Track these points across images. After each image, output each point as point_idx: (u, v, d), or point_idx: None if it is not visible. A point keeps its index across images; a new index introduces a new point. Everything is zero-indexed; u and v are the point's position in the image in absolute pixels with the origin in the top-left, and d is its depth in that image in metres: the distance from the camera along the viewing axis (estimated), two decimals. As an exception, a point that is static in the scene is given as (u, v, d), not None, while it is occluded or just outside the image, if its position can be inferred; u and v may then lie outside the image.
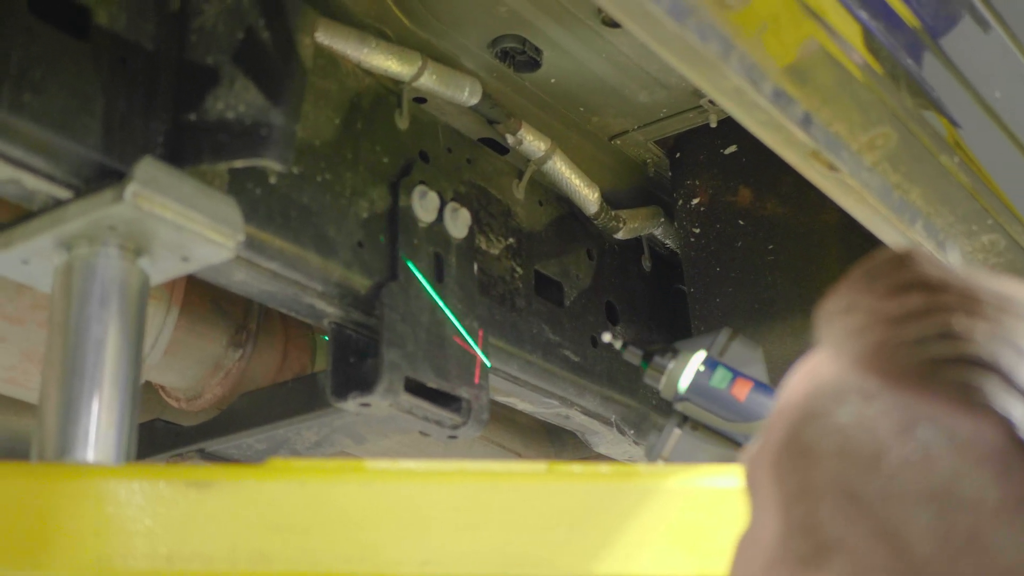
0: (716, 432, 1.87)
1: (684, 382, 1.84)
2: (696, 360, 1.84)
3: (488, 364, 1.84)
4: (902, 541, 0.68)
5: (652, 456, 1.90)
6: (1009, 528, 0.66)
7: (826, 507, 0.72)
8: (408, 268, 1.73)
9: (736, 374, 1.84)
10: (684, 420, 1.88)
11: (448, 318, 1.77)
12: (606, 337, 1.98)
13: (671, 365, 1.85)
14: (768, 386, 1.86)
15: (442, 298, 1.78)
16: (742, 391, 1.83)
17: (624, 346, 1.95)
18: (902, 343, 0.71)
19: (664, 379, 1.85)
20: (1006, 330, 0.69)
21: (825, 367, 0.75)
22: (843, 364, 0.74)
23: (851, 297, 0.76)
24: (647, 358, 1.89)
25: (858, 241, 1.96)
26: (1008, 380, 0.67)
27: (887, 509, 0.69)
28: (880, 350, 0.72)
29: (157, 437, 1.98)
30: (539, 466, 1.35)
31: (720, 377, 1.83)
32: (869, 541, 0.70)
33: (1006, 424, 0.67)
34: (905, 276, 0.74)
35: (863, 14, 1.37)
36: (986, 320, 0.70)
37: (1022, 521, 0.66)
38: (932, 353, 0.70)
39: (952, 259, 1.70)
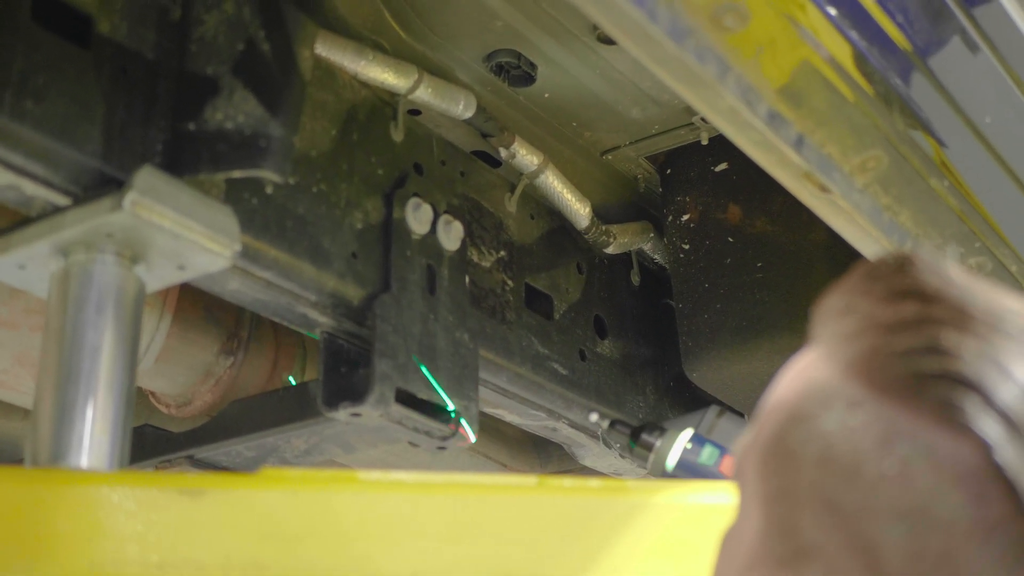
0: None
1: (672, 460, 1.86)
2: (683, 438, 1.87)
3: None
4: (875, 555, 0.68)
5: (655, 470, 1.91)
6: (981, 551, 0.66)
7: (805, 512, 0.72)
8: (401, 279, 1.74)
9: (724, 451, 1.84)
10: None
11: (440, 330, 1.78)
12: (593, 417, 2.02)
13: (659, 443, 1.88)
14: None
15: (433, 310, 1.79)
16: (729, 469, 1.83)
17: (612, 425, 1.98)
18: (891, 353, 0.71)
19: (652, 457, 1.88)
20: (994, 349, 0.69)
21: (817, 369, 0.75)
22: (834, 368, 0.73)
23: (849, 298, 0.75)
24: (635, 436, 1.91)
25: (846, 261, 1.97)
26: (990, 401, 0.67)
27: (863, 522, 0.69)
28: (870, 358, 0.72)
29: (146, 443, 1.98)
30: (529, 479, 1.37)
31: (708, 454, 1.84)
32: (844, 552, 0.69)
33: (984, 445, 0.66)
34: (903, 282, 0.73)
35: (855, 36, 1.38)
36: (975, 337, 0.69)
37: (994, 544, 0.65)
38: (918, 366, 0.69)
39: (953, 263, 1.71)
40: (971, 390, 0.67)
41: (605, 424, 2.00)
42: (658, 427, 1.92)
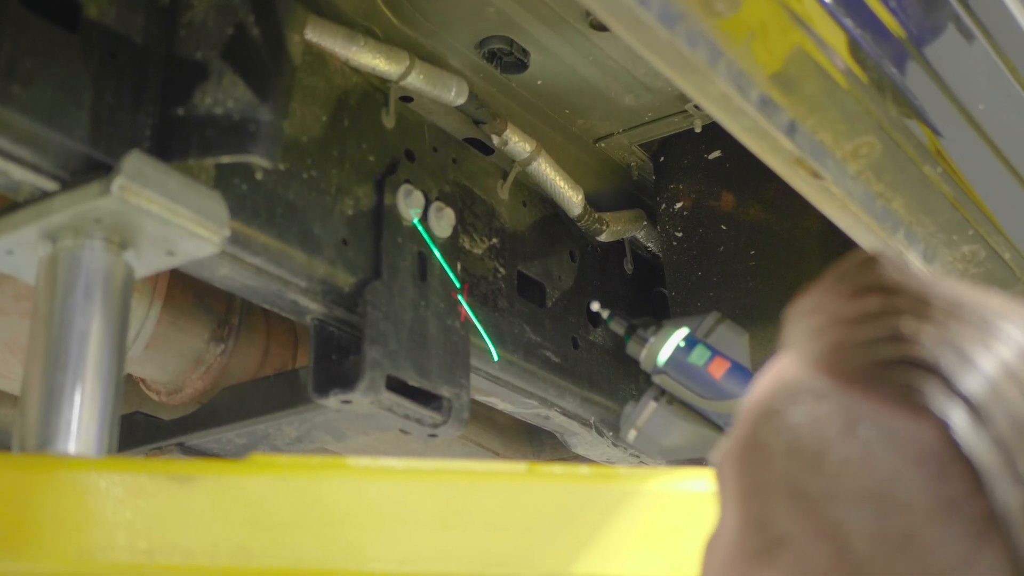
0: (690, 408, 1.91)
1: (663, 355, 1.92)
2: (677, 336, 1.92)
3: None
4: (843, 540, 0.69)
5: (626, 426, 1.95)
6: (942, 529, 0.67)
7: (776, 504, 0.73)
8: (392, 266, 1.74)
9: (715, 353, 1.89)
10: (661, 394, 1.94)
11: (429, 317, 1.77)
12: (594, 306, 2.06)
13: (653, 339, 1.93)
14: (746, 369, 1.90)
15: (424, 297, 1.78)
16: (719, 370, 1.88)
17: (611, 316, 2.02)
18: (854, 344, 0.72)
19: (645, 351, 1.94)
20: (952, 334, 0.70)
21: (788, 367, 0.77)
22: (803, 364, 0.75)
23: (817, 298, 0.77)
24: (631, 330, 1.97)
25: (839, 248, 1.97)
26: (948, 383, 0.68)
27: (829, 508, 0.70)
28: (835, 351, 0.73)
29: (137, 430, 1.98)
30: (519, 467, 1.36)
31: (698, 354, 1.89)
32: (813, 539, 0.70)
33: (943, 426, 0.67)
34: (867, 279, 0.75)
35: (849, 23, 1.38)
36: (933, 324, 0.71)
37: (955, 522, 0.67)
38: (880, 354, 0.71)
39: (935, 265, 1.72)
40: (930, 373, 0.69)
41: (605, 314, 2.04)
42: (655, 323, 1.97)
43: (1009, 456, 0.66)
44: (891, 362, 0.70)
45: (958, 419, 0.67)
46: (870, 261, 0.76)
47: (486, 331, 1.94)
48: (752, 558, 0.74)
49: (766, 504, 0.74)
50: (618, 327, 2.02)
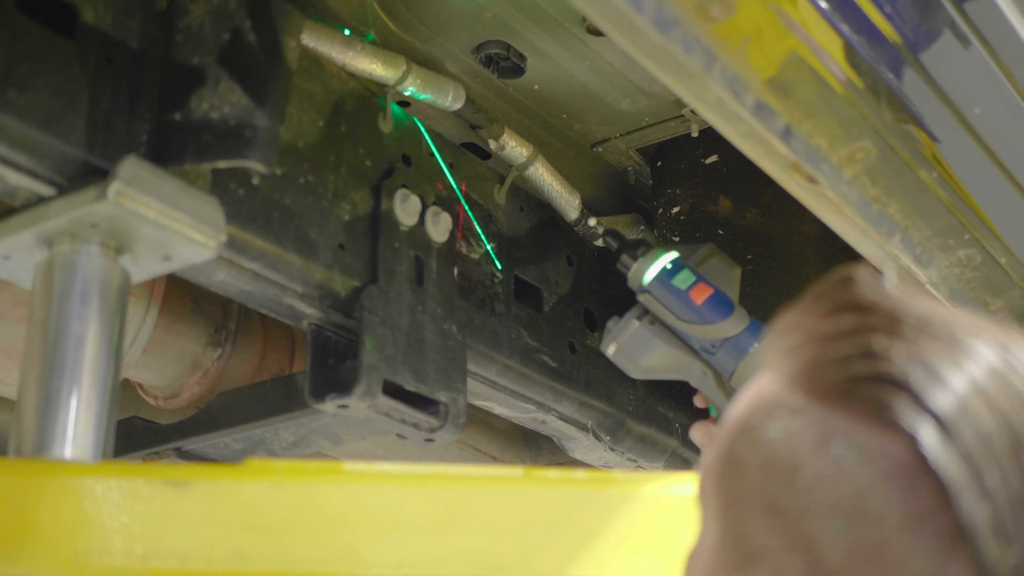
0: (670, 331, 1.96)
1: (649, 275, 1.99)
2: (666, 258, 1.99)
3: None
4: (816, 552, 0.71)
5: (607, 340, 1.99)
6: (912, 541, 0.68)
7: (752, 517, 0.74)
8: (388, 271, 1.74)
9: (699, 279, 1.94)
10: (644, 313, 1.98)
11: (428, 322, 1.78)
12: (592, 221, 2.12)
13: (642, 258, 2.01)
14: (728, 299, 1.94)
15: (421, 302, 1.78)
16: (700, 295, 1.94)
17: (606, 233, 2.10)
18: (828, 361, 0.74)
19: (633, 268, 2.01)
20: (921, 350, 0.72)
21: (765, 384, 0.78)
22: (780, 381, 0.77)
23: (795, 317, 0.79)
24: (622, 247, 2.04)
25: (836, 253, 1.98)
26: (917, 398, 0.70)
27: (803, 521, 0.71)
28: (810, 368, 0.75)
29: (134, 435, 1.98)
30: (515, 471, 1.36)
31: (683, 278, 1.95)
32: (787, 552, 0.72)
33: (912, 441, 0.69)
34: (842, 298, 0.76)
35: (845, 28, 1.38)
36: (904, 340, 0.72)
37: (924, 535, 0.68)
38: (852, 371, 0.73)
39: (928, 274, 1.72)
40: (900, 389, 0.70)
41: (600, 230, 2.12)
42: (646, 244, 2.03)
43: (976, 470, 0.68)
44: (863, 378, 0.72)
45: (926, 434, 0.68)
46: (846, 280, 0.77)
47: (480, 338, 1.94)
48: (730, 571, 0.75)
49: (743, 517, 0.75)
50: (611, 243, 2.08)
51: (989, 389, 0.70)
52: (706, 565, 0.78)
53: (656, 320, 2.01)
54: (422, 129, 1.93)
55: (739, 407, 0.79)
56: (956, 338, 0.73)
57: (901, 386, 0.70)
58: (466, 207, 1.98)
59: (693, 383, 2.03)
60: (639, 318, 2.01)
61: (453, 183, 1.94)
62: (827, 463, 0.71)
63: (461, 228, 1.98)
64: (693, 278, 1.97)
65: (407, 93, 1.85)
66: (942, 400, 0.69)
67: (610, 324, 2.05)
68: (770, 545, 0.72)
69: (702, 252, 2.03)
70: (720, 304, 1.95)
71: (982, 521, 0.67)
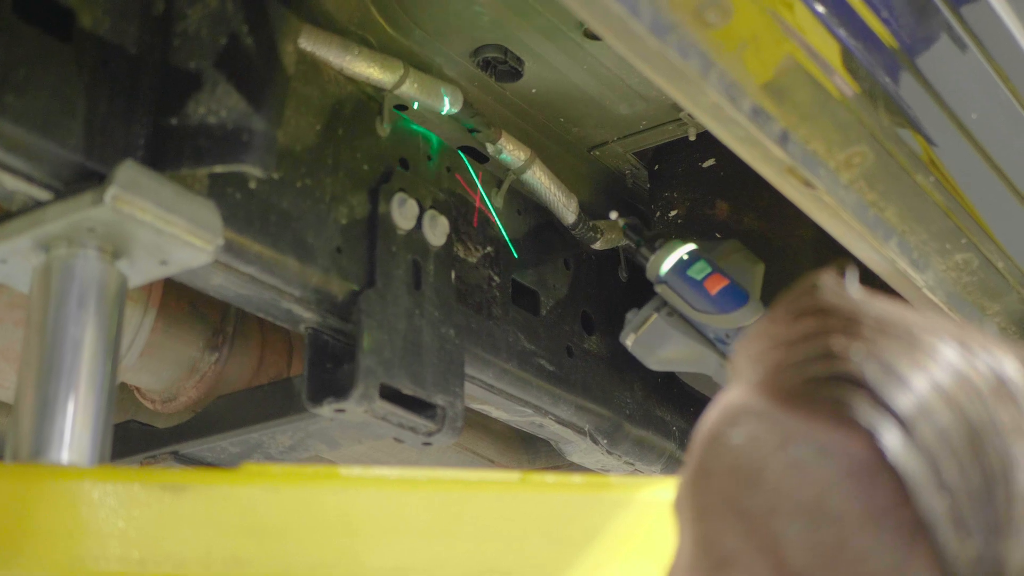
0: (688, 322, 1.98)
1: (666, 266, 2.03)
2: (683, 249, 2.04)
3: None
4: (781, 554, 0.71)
5: (626, 331, 2.02)
6: (873, 538, 0.69)
7: (721, 523, 0.75)
8: (386, 275, 1.74)
9: (715, 270, 1.95)
10: (663, 305, 2.00)
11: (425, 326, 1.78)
12: (613, 215, 2.16)
13: (660, 249, 2.06)
14: (743, 291, 1.95)
15: (418, 306, 1.78)
16: (715, 285, 1.96)
17: (626, 225, 2.16)
18: (789, 365, 0.75)
19: (651, 260, 2.07)
20: (879, 349, 0.72)
21: (733, 392, 0.79)
22: (745, 388, 0.78)
23: (762, 325, 0.79)
24: (642, 239, 2.11)
25: (833, 257, 1.97)
26: (875, 396, 0.70)
27: (768, 524, 0.72)
28: (773, 372, 0.76)
29: (131, 438, 1.98)
30: (512, 475, 1.36)
31: (698, 268, 1.99)
32: (754, 555, 0.72)
33: (871, 438, 0.69)
34: (805, 303, 0.77)
35: (842, 33, 1.38)
36: (862, 340, 0.73)
37: (884, 531, 0.68)
38: (813, 373, 0.73)
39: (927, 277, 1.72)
40: (858, 388, 0.71)
41: (621, 222, 2.16)
42: (664, 237, 2.08)
43: (934, 464, 0.68)
44: (822, 379, 0.72)
45: (884, 430, 0.69)
46: (810, 287, 0.78)
47: (477, 342, 1.94)
48: None
49: (713, 524, 0.76)
50: (632, 235, 2.13)
51: (947, 385, 0.71)
52: (681, 575, 0.79)
53: (674, 312, 2.03)
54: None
55: (709, 416, 0.80)
56: (914, 336, 0.73)
57: (859, 384, 0.70)
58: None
59: (711, 375, 2.05)
60: (657, 309, 2.04)
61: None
62: (789, 465, 0.72)
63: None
64: (709, 268, 1.99)
65: (405, 97, 1.85)
66: (900, 397, 0.70)
67: (629, 315, 2.09)
68: (738, 550, 0.73)
69: (724, 247, 2.06)
70: (734, 294, 1.97)
71: (941, 514, 0.67)
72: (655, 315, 2.05)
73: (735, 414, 0.77)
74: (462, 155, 2.04)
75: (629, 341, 2.07)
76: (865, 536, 0.68)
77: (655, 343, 2.06)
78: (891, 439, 0.69)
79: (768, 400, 0.75)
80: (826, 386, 0.72)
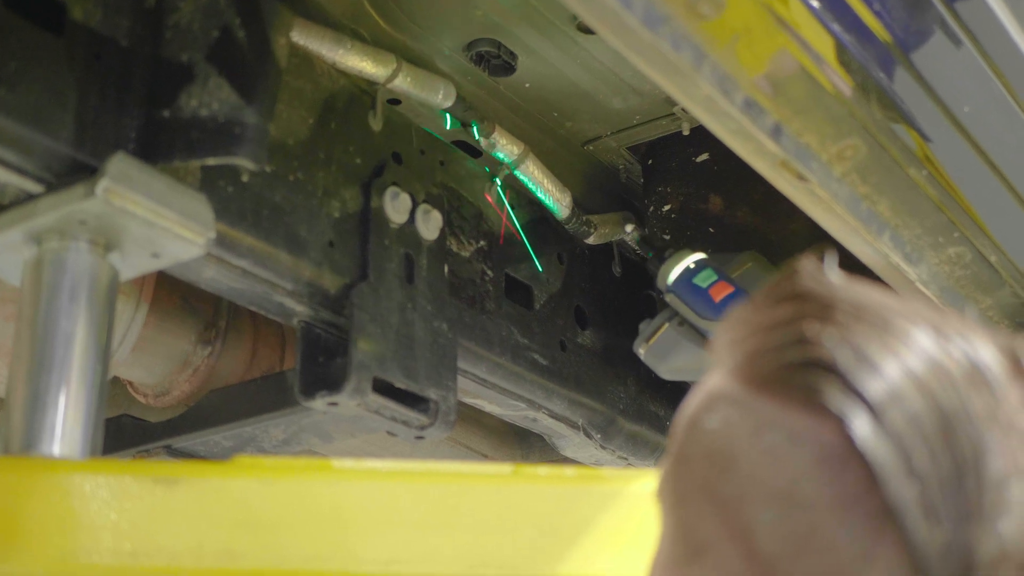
0: (697, 332, 1.99)
1: (673, 275, 2.06)
2: (691, 258, 2.07)
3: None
4: (752, 541, 0.71)
5: (638, 342, 2.04)
6: (843, 525, 0.68)
7: (696, 510, 0.75)
8: (378, 268, 1.74)
9: (722, 278, 1.96)
10: (674, 315, 2.02)
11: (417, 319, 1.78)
12: (628, 227, 2.20)
13: (669, 259, 2.09)
14: (747, 296, 1.95)
15: (411, 299, 1.78)
16: (720, 293, 1.99)
17: (640, 240, 2.21)
18: (765, 351, 0.74)
19: (661, 269, 2.10)
20: (852, 334, 0.71)
21: (712, 379, 0.79)
22: (723, 374, 0.77)
23: (740, 313, 0.79)
24: (653, 251, 2.17)
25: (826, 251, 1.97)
26: (846, 381, 0.70)
27: (740, 510, 0.72)
28: (750, 358, 0.75)
29: (124, 433, 1.98)
30: (505, 468, 1.36)
31: (704, 276, 2.02)
32: (727, 542, 0.72)
33: (841, 424, 0.69)
34: (783, 289, 0.77)
35: (836, 27, 1.38)
36: (835, 326, 0.72)
37: (854, 517, 0.68)
38: (786, 358, 0.73)
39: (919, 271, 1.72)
40: (830, 373, 0.70)
41: (636, 235, 2.21)
42: (674, 248, 2.13)
43: (904, 451, 0.68)
44: (796, 365, 0.72)
45: (854, 416, 0.68)
46: (790, 273, 0.78)
47: (470, 336, 1.94)
48: (681, 566, 0.75)
49: (689, 511, 0.75)
50: (645, 248, 2.19)
51: (919, 371, 0.70)
52: (662, 562, 0.78)
53: (685, 321, 2.03)
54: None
55: (689, 404, 0.80)
56: (888, 322, 0.73)
57: (831, 370, 0.70)
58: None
59: None
60: (669, 319, 2.05)
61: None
62: (761, 452, 0.71)
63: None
64: (714, 276, 2.00)
65: (398, 91, 1.85)
66: (871, 383, 0.69)
67: (642, 326, 2.11)
68: (712, 537, 0.73)
69: (741, 257, 2.08)
70: (739, 301, 1.97)
71: (910, 501, 0.67)
72: (667, 325, 2.07)
73: (712, 400, 0.76)
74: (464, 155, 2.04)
75: (642, 351, 2.09)
76: (834, 523, 0.68)
77: (666, 353, 2.07)
78: (860, 425, 0.68)
79: (744, 386, 0.74)
80: (799, 372, 0.71)
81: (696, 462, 0.75)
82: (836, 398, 0.69)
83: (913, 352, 0.71)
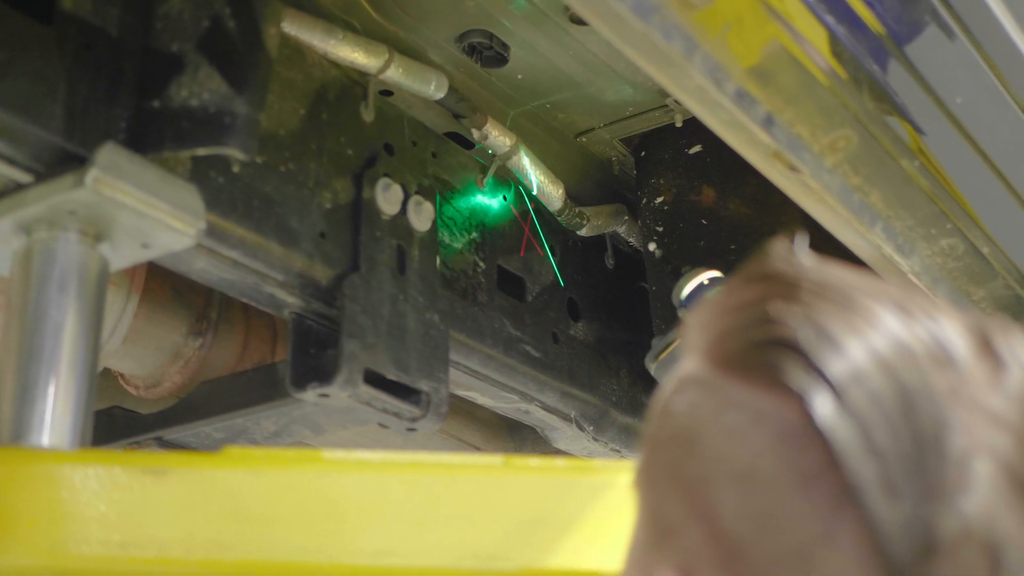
0: None
1: (687, 290, 2.07)
2: (705, 275, 2.09)
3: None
4: (716, 521, 0.70)
5: (649, 358, 2.06)
6: (802, 503, 0.68)
7: (663, 493, 0.74)
8: (370, 260, 1.73)
9: None
10: None
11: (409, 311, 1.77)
12: (651, 246, 2.22)
13: (684, 276, 2.10)
14: None
15: (403, 291, 1.78)
16: None
17: (662, 258, 2.22)
18: (731, 331, 0.74)
19: (676, 286, 2.10)
20: (816, 313, 0.71)
21: (685, 362, 0.78)
22: (694, 357, 0.77)
23: (713, 295, 0.78)
24: (671, 267, 2.18)
25: (819, 243, 1.97)
26: (807, 359, 0.69)
27: (704, 491, 0.71)
28: (716, 339, 0.75)
29: (115, 424, 1.97)
30: (495, 459, 1.36)
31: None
32: (692, 523, 0.71)
33: (803, 403, 0.68)
34: (753, 271, 0.76)
35: (829, 19, 1.38)
36: (799, 304, 0.72)
37: (814, 495, 0.67)
38: (750, 338, 0.72)
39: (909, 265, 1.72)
40: (792, 351, 0.70)
41: (659, 254, 2.22)
42: (692, 268, 2.13)
43: (864, 429, 0.67)
44: (760, 344, 0.71)
45: (815, 394, 0.68)
46: (762, 256, 0.77)
47: (463, 328, 1.94)
48: (650, 550, 0.75)
49: (656, 494, 0.75)
50: (662, 265, 2.20)
51: (881, 349, 0.70)
52: (634, 547, 0.78)
53: None
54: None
55: (663, 388, 0.80)
56: (852, 300, 0.72)
57: (793, 348, 0.70)
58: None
59: None
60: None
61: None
62: (724, 432, 0.71)
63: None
64: None
65: (390, 82, 1.85)
66: (832, 361, 0.69)
67: (654, 341, 2.11)
68: (678, 519, 0.72)
69: None
70: None
71: (869, 478, 0.66)
72: (678, 340, 2.08)
73: (681, 383, 0.76)
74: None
75: (653, 367, 2.10)
76: (794, 501, 0.68)
77: (676, 367, 2.09)
78: (821, 403, 0.68)
79: (711, 367, 0.74)
80: (763, 351, 0.71)
81: (664, 445, 0.75)
82: (798, 376, 0.69)
83: (876, 330, 0.70)
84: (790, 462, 0.68)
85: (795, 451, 0.68)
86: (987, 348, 0.72)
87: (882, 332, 0.70)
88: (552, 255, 2.25)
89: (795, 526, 0.67)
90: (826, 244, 1.75)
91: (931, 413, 0.68)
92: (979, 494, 0.67)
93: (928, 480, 0.66)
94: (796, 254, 0.76)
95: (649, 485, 0.76)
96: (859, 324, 0.70)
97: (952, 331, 0.72)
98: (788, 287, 0.73)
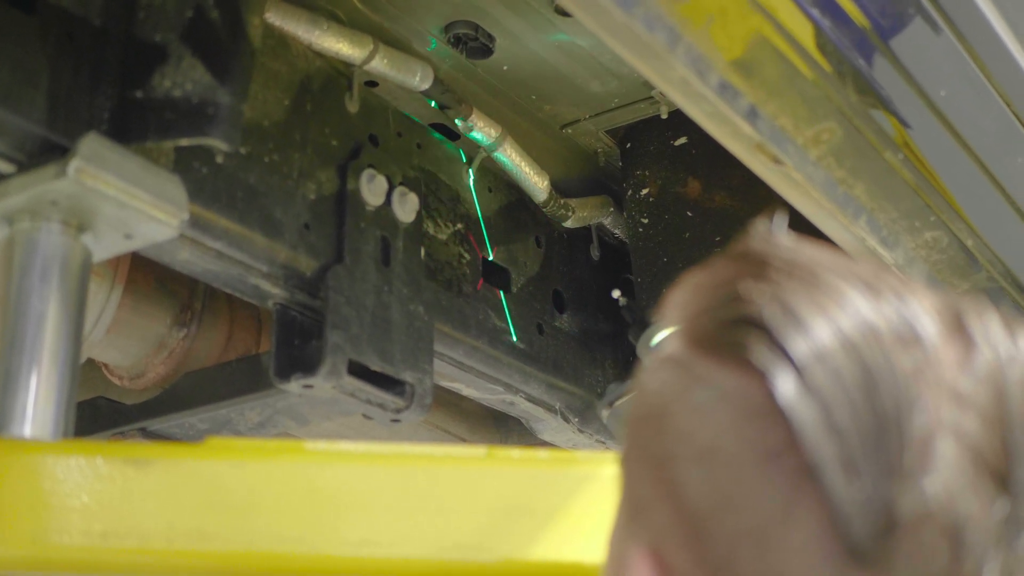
0: None
1: (658, 338, 2.06)
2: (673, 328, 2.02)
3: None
4: (682, 499, 0.70)
5: (601, 405, 2.05)
6: (761, 481, 0.68)
7: (635, 472, 0.75)
8: (354, 251, 1.73)
9: None
10: None
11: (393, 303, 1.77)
12: (615, 294, 2.25)
13: (652, 327, 2.10)
14: None
15: (387, 282, 1.78)
16: None
17: (626, 305, 2.27)
18: (703, 310, 0.74)
19: (642, 337, 2.11)
20: (782, 291, 0.71)
21: (663, 344, 0.78)
22: (671, 338, 0.77)
23: (690, 277, 0.78)
24: (635, 320, 2.16)
25: (804, 236, 1.97)
26: (772, 337, 0.69)
27: (671, 469, 0.71)
28: (690, 319, 0.75)
29: (99, 415, 1.97)
30: (478, 450, 1.36)
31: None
32: (660, 501, 0.71)
33: (764, 380, 0.68)
34: (730, 251, 0.76)
35: (814, 12, 1.38)
36: (768, 283, 0.71)
37: (774, 474, 0.67)
38: (720, 317, 0.72)
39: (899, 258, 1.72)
40: (758, 329, 0.70)
41: (623, 301, 2.25)
42: (656, 319, 2.11)
43: (826, 407, 0.67)
44: (728, 322, 0.71)
45: (777, 372, 0.68)
46: (743, 237, 0.77)
47: (447, 319, 1.94)
48: (624, 530, 0.75)
49: (630, 474, 0.75)
50: (626, 314, 2.21)
51: (846, 328, 0.69)
52: (611, 531, 0.78)
53: None
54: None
55: (643, 367, 0.80)
56: (819, 279, 0.72)
57: (759, 326, 0.69)
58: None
59: None
60: None
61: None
62: (690, 410, 0.71)
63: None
64: None
65: (375, 73, 1.85)
66: (796, 339, 0.68)
67: (609, 388, 2.10)
68: (647, 496, 0.72)
69: None
70: None
71: (829, 457, 0.66)
72: (633, 390, 2.07)
73: (657, 363, 0.76)
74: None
75: (604, 414, 2.10)
76: (754, 480, 0.67)
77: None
78: (783, 382, 0.67)
79: (684, 346, 0.74)
80: (730, 329, 0.71)
81: (638, 423, 0.75)
82: (762, 354, 0.68)
83: (842, 309, 0.70)
84: (752, 440, 0.68)
85: (757, 429, 0.68)
86: (958, 328, 0.72)
87: (848, 311, 0.70)
88: (537, 245, 2.25)
89: (755, 505, 0.67)
90: (811, 237, 1.75)
91: (893, 393, 0.67)
92: (940, 474, 0.66)
93: (888, 459, 0.66)
94: (774, 234, 0.76)
95: (626, 464, 0.76)
96: (825, 303, 0.70)
97: (921, 311, 0.71)
98: (759, 266, 0.73)
